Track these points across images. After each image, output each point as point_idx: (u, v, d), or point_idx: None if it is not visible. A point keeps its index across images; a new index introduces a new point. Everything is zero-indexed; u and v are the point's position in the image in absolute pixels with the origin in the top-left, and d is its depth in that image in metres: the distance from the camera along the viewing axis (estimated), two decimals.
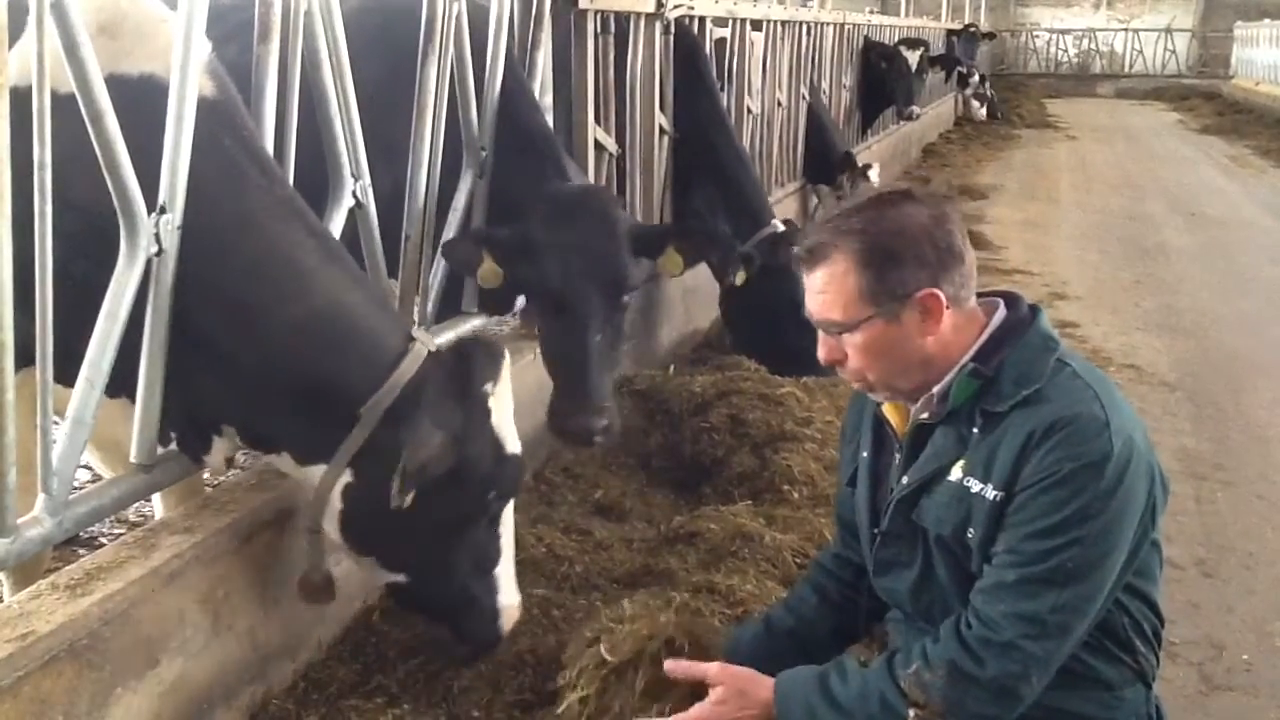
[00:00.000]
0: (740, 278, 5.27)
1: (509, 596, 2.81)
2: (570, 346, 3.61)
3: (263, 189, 2.67)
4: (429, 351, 2.65)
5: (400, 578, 2.74)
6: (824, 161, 8.86)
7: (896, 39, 13.45)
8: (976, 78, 14.18)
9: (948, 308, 2.13)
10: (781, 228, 5.66)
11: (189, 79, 2.57)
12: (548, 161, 4.03)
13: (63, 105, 2.32)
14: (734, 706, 2.19)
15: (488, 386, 2.59)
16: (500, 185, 4.06)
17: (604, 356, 3.63)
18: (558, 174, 3.99)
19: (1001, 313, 2.22)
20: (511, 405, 2.71)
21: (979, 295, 2.24)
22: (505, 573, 2.80)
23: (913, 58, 11.94)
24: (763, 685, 2.20)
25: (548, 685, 2.71)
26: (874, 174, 8.28)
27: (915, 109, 12.18)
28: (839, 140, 9.23)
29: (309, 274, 2.62)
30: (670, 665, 2.28)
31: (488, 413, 2.60)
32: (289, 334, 2.57)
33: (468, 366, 2.60)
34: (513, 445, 2.68)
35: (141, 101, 2.55)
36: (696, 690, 2.28)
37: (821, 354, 2.21)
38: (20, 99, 2.18)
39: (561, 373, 3.67)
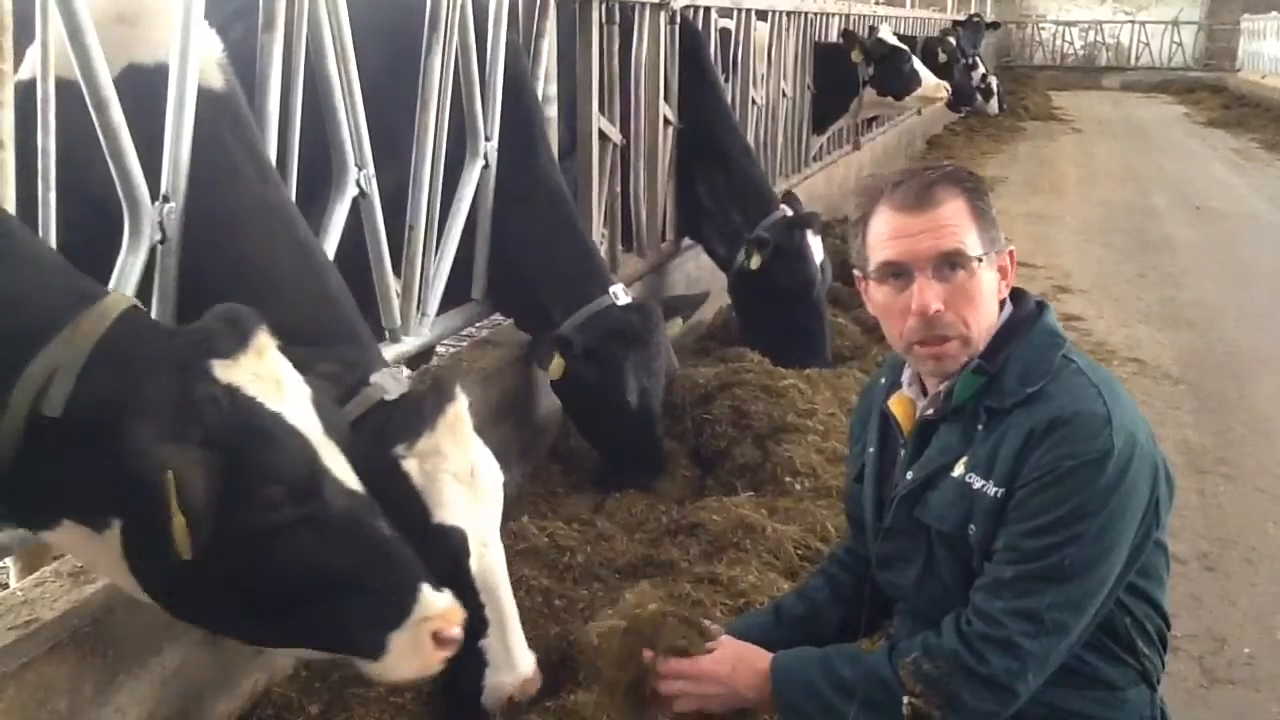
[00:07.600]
0: (755, 261, 5.29)
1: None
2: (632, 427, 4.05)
3: (255, 190, 2.65)
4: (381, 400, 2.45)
5: None
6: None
7: (903, 29, 13.39)
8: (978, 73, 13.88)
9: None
10: (790, 212, 5.65)
11: (189, 68, 2.57)
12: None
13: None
14: (728, 668, 2.19)
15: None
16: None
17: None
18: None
19: (1008, 308, 2.21)
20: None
21: None
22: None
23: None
24: (760, 657, 2.21)
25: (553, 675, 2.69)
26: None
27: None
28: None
29: (277, 289, 2.53)
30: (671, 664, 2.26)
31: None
32: None
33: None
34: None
35: (157, 90, 2.55)
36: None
37: (921, 301, 2.09)
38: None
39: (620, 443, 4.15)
